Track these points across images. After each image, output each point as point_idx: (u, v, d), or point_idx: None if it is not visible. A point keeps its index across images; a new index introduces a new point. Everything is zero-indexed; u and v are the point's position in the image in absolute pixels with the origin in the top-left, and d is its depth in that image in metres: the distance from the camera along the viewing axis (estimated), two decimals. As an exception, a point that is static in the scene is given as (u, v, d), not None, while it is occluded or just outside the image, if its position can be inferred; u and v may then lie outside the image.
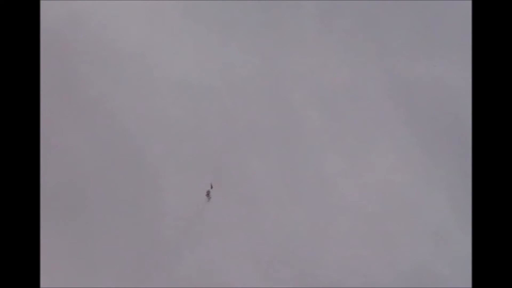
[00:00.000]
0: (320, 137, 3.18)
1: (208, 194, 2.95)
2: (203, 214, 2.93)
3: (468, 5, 2.68)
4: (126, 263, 2.74)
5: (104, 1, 3.22)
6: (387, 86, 3.25)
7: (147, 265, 2.75)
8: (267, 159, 3.09)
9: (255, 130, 3.15)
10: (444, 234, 2.81)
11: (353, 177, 3.11)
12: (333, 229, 2.99)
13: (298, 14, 3.39)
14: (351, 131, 3.19)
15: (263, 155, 3.09)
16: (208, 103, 3.13)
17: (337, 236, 2.97)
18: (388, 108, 3.21)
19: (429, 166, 2.99)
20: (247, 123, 3.15)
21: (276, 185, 3.07)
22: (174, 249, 2.80)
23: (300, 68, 3.30)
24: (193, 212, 2.91)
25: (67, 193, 2.77)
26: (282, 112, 3.20)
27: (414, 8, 3.43)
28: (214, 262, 2.86)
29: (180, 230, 2.85)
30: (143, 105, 3.06)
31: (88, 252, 2.69)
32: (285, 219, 3.02)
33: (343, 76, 3.29)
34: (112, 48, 3.14)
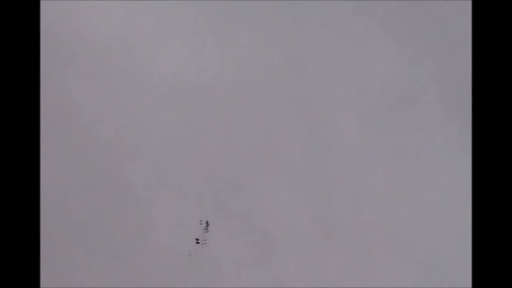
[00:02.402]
0: (353, 151, 2.53)
1: (206, 224, 2.44)
2: (201, 251, 2.44)
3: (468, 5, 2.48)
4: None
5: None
6: (444, 84, 2.58)
7: None
8: (284, 180, 2.47)
9: (270, 141, 2.53)
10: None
11: (402, 203, 2.52)
12: (377, 272, 2.43)
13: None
14: (393, 143, 2.56)
15: (280, 174, 2.47)
16: (210, 108, 2.55)
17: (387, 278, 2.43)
18: (445, 112, 2.56)
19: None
20: (260, 133, 2.54)
21: (298, 215, 2.45)
22: None
23: (328, 64, 2.62)
24: (189, 248, 2.44)
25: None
26: (304, 119, 2.56)
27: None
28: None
29: (173, 272, 2.39)
30: (125, 112, 2.50)
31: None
32: (312, 257, 2.43)
33: (385, 72, 2.62)
34: (90, 41, 2.52)
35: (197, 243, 2.40)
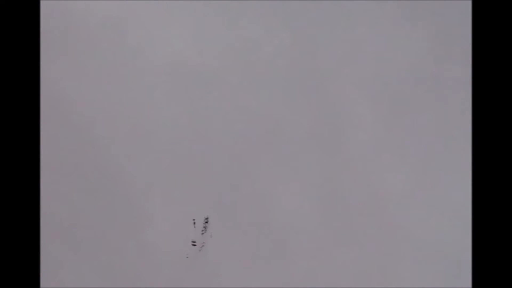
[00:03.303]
0: (368, 142, 2.38)
1: (206, 221, 2.29)
2: (201, 252, 2.33)
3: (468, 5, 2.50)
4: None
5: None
6: (465, 69, 2.37)
7: None
8: (293, 175, 2.34)
9: (279, 132, 2.37)
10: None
11: (419, 204, 2.39)
12: (390, 272, 2.33)
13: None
14: (410, 133, 2.39)
15: (288, 168, 2.35)
16: (213, 98, 2.37)
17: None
18: (465, 99, 2.35)
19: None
20: (268, 124, 2.38)
21: (307, 212, 2.33)
22: None
23: (345, 48, 2.43)
24: (189, 248, 2.33)
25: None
26: (317, 109, 2.39)
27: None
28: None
29: (172, 273, 2.31)
30: (121, 102, 2.34)
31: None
32: (321, 258, 2.34)
33: (401, 57, 2.42)
34: (83, 24, 2.36)
35: (194, 245, 2.32)
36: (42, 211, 2.27)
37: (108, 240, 2.34)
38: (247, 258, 2.36)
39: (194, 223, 2.33)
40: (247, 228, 2.35)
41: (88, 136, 2.34)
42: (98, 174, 2.35)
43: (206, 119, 2.37)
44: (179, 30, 2.38)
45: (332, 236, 2.37)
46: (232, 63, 2.38)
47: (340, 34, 2.41)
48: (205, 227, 2.33)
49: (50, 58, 2.36)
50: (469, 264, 2.33)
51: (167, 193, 2.35)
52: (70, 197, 2.34)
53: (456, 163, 2.38)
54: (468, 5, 2.44)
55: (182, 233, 2.35)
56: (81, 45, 2.36)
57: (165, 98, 2.38)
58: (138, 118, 2.36)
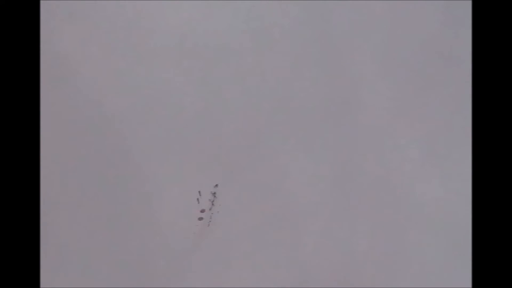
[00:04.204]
0: (385, 117, 2.30)
1: (213, 198, 2.22)
2: (212, 225, 2.25)
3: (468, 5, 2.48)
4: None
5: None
6: None
7: None
8: (304, 147, 2.27)
9: (290, 104, 2.29)
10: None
11: (432, 176, 2.31)
12: (404, 249, 2.32)
13: None
14: (428, 110, 2.28)
15: (300, 140, 2.28)
16: (223, 70, 2.28)
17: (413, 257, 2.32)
18: None
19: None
20: (279, 96, 2.29)
21: (320, 186, 2.28)
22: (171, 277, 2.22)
23: (357, 19, 2.32)
24: (197, 223, 2.25)
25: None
26: (330, 80, 2.31)
27: None
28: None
29: (180, 249, 2.24)
30: (130, 74, 2.25)
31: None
32: (332, 232, 2.29)
33: (415, 28, 2.31)
34: None
35: (200, 219, 2.24)
36: (43, 185, 2.19)
37: (116, 217, 2.26)
38: (256, 233, 2.30)
39: (199, 200, 2.26)
40: (257, 202, 2.28)
41: (96, 111, 2.26)
42: (106, 151, 2.27)
43: (216, 90, 2.30)
44: (189, 3, 2.30)
45: (343, 207, 2.32)
46: (243, 34, 2.31)
47: (353, 5, 2.33)
48: (213, 203, 2.26)
49: (55, 28, 2.26)
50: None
51: (175, 168, 2.27)
52: (76, 174, 2.26)
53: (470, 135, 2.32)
54: (468, 5, 2.44)
55: (190, 209, 2.28)
56: (89, 17, 2.26)
57: (175, 70, 2.30)
58: (146, 92, 2.28)
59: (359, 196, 2.36)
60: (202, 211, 2.24)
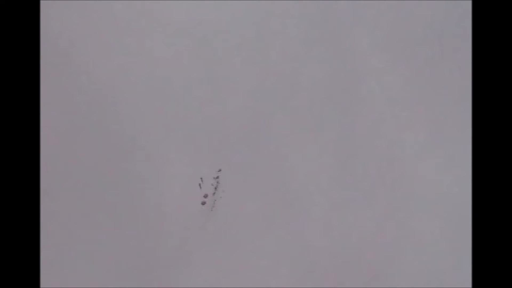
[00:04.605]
0: (388, 100, 2.26)
1: (216, 184, 2.19)
2: (215, 209, 2.21)
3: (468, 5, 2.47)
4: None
5: None
6: None
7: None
8: (308, 130, 2.25)
9: (294, 87, 2.26)
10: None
11: (435, 159, 2.30)
12: (407, 232, 2.31)
13: None
14: (432, 92, 2.27)
15: (304, 123, 2.25)
16: (229, 50, 2.25)
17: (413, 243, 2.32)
18: None
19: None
20: (283, 79, 2.26)
21: (322, 169, 2.25)
22: (176, 267, 2.21)
23: (365, 12, 2.31)
24: (201, 207, 2.21)
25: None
26: (333, 62, 2.26)
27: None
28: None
29: (184, 231, 2.21)
30: (135, 53, 2.21)
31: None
32: (336, 216, 2.27)
33: (428, 11, 2.30)
34: None
35: (203, 204, 2.20)
36: (43, 165, 2.15)
37: (118, 199, 2.22)
38: (260, 217, 2.28)
39: (200, 186, 2.23)
40: (260, 188, 2.26)
41: (98, 95, 2.21)
42: (109, 131, 2.23)
43: (219, 78, 2.27)
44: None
45: (347, 191, 2.31)
46: (246, 15, 2.27)
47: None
48: (216, 188, 2.24)
49: (52, 9, 2.20)
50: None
51: (178, 152, 2.24)
52: (77, 155, 2.22)
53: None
54: (468, 5, 2.43)
55: (193, 194, 2.25)
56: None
57: (179, 51, 2.27)
58: (149, 72, 2.24)
59: (363, 184, 2.34)
60: (205, 196, 2.21)
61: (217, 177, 2.22)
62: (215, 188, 2.23)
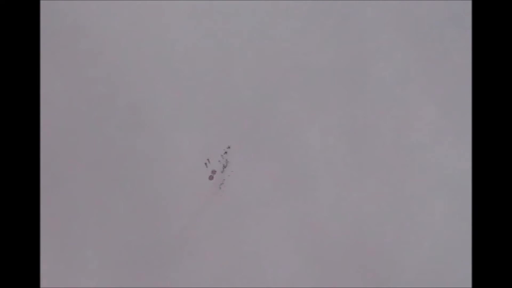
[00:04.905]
0: (398, 78, 2.27)
1: (226, 161, 2.17)
2: (224, 184, 2.19)
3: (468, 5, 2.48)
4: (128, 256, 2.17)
5: None
6: None
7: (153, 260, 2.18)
8: (319, 106, 2.24)
9: (305, 63, 2.24)
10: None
11: (445, 137, 2.32)
12: (415, 206, 2.32)
13: None
14: (442, 72, 2.27)
15: (315, 100, 2.24)
16: (239, 27, 2.23)
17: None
18: None
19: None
20: (294, 55, 2.25)
21: (334, 147, 2.25)
22: (185, 244, 2.21)
23: None
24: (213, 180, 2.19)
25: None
26: (340, 39, 2.25)
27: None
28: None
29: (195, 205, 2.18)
30: (146, 28, 2.19)
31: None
32: (346, 191, 2.27)
33: None
34: None
35: (211, 178, 2.18)
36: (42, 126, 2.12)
37: (125, 176, 2.21)
38: (270, 193, 2.28)
39: (207, 165, 2.22)
40: (270, 162, 2.26)
41: (109, 59, 2.20)
42: (118, 96, 2.21)
43: (229, 49, 2.26)
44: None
45: (357, 168, 2.31)
46: None
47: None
48: (225, 166, 2.23)
49: None
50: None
51: (187, 128, 2.24)
52: (84, 131, 2.21)
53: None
54: (468, 5, 2.43)
55: (202, 171, 2.24)
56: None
57: (188, 24, 2.26)
58: (158, 48, 2.22)
59: (372, 155, 2.34)
60: (213, 171, 2.20)
61: (226, 153, 2.20)
62: (224, 166, 2.21)
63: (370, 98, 2.34)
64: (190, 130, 2.20)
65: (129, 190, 2.18)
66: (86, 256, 2.14)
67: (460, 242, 2.45)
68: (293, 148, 2.26)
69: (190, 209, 2.21)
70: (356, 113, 2.33)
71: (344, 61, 2.33)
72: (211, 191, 2.21)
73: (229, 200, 2.24)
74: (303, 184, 2.27)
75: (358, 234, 2.34)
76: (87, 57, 2.14)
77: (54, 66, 2.13)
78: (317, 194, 2.29)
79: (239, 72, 2.24)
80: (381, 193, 2.36)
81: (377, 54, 2.33)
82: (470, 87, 2.36)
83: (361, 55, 2.32)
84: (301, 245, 2.29)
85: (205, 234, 2.24)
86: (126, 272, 2.19)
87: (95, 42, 2.15)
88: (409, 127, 2.37)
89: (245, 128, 2.23)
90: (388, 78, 2.33)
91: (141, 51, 2.18)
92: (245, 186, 2.25)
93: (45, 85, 2.11)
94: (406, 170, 2.38)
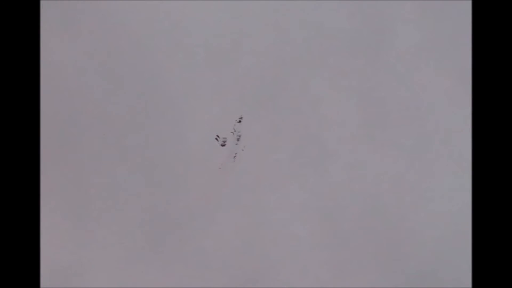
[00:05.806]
0: (414, 51, 2.31)
1: (238, 135, 2.19)
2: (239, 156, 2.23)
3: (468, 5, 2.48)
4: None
5: None
6: None
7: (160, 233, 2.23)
8: (334, 81, 2.27)
9: (320, 39, 2.30)
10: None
11: (461, 111, 2.31)
12: (428, 178, 2.28)
13: None
14: (458, 46, 2.32)
15: (330, 74, 2.27)
16: (255, 5, 2.32)
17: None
18: None
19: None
20: (309, 31, 2.30)
21: (349, 120, 2.29)
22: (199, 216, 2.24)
23: None
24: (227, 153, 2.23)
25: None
26: (358, 14, 2.32)
27: None
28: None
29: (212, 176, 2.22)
30: (161, 5, 2.26)
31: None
32: (360, 163, 2.29)
33: None
34: None
35: (223, 145, 2.24)
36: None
37: (139, 145, 2.27)
38: (283, 168, 2.31)
39: (217, 139, 2.26)
40: (284, 136, 2.30)
41: (126, 35, 2.27)
42: (134, 71, 2.27)
43: (243, 21, 2.31)
44: None
45: (372, 142, 2.33)
46: None
47: None
48: (238, 139, 2.26)
49: None
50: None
51: (200, 98, 2.28)
52: (99, 99, 2.26)
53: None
54: (468, 5, 2.44)
55: (216, 143, 2.29)
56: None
57: (203, 5, 2.31)
58: (174, 20, 2.28)
59: (387, 124, 2.35)
60: (224, 139, 2.23)
61: (239, 121, 2.24)
62: (237, 139, 2.24)
63: (388, 68, 2.35)
64: (206, 101, 2.23)
65: (145, 162, 2.22)
66: (101, 225, 2.18)
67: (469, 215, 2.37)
68: (309, 118, 2.28)
69: (205, 180, 2.25)
70: (373, 83, 2.34)
71: (364, 30, 2.34)
72: (225, 163, 2.24)
73: (244, 172, 2.27)
74: (319, 155, 2.29)
75: (375, 202, 2.34)
76: (107, 25, 2.18)
77: (72, 33, 2.15)
78: (333, 166, 2.30)
79: (255, 41, 2.26)
80: (398, 163, 2.35)
81: (396, 23, 2.34)
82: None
83: (381, 22, 2.34)
84: (317, 218, 2.30)
85: (222, 205, 2.27)
86: (140, 244, 2.23)
87: (115, 11, 2.19)
88: (425, 97, 2.36)
89: (261, 99, 2.26)
90: (406, 49, 2.34)
91: (159, 23, 2.22)
92: (260, 158, 2.28)
93: (47, 57, 2.16)
94: (421, 142, 2.38)
